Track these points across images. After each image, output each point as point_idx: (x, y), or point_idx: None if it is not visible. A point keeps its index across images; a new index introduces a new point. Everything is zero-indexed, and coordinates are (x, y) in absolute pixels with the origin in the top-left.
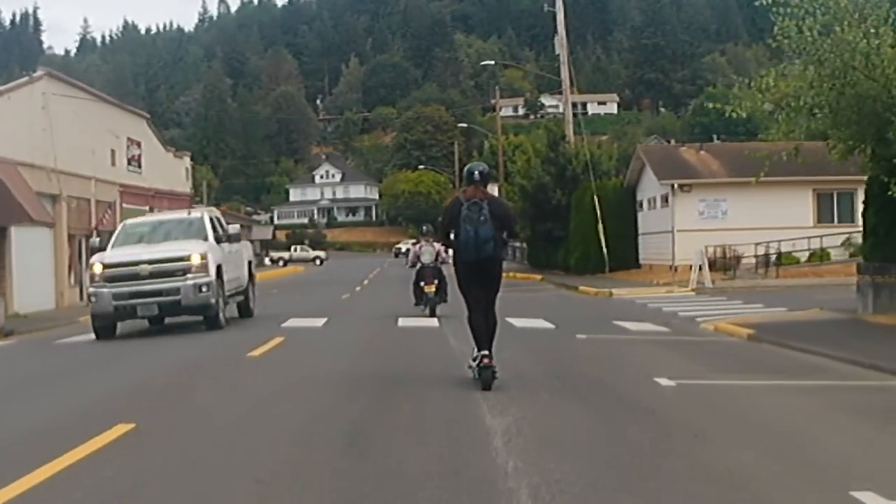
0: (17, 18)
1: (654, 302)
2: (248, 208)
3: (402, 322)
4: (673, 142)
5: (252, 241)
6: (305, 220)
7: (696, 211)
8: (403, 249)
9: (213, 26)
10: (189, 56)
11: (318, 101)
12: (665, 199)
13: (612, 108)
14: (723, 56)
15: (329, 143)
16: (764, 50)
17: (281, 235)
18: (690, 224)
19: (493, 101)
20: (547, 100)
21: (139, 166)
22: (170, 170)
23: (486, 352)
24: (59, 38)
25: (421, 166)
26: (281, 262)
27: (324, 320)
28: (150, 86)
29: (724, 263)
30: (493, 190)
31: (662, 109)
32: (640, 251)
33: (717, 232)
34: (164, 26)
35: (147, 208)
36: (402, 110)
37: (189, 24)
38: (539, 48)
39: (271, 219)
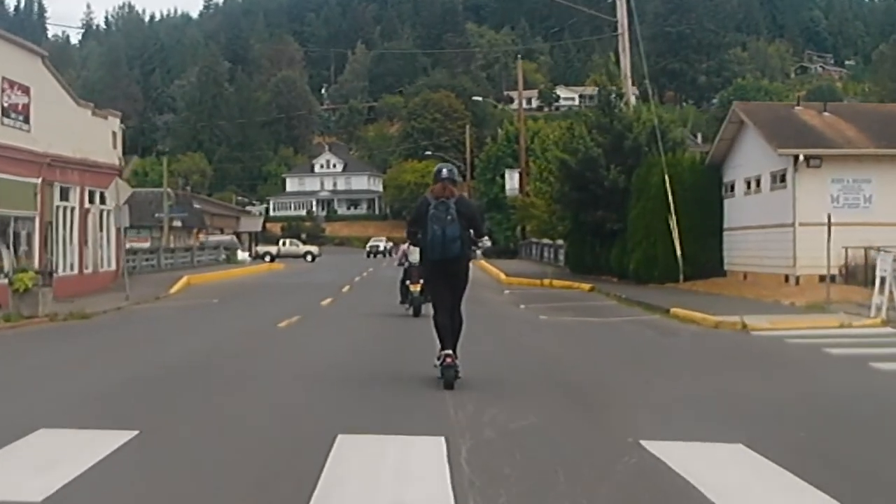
0: (22, 5)
1: (838, 345)
2: (240, 198)
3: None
4: (700, 137)
5: (237, 234)
6: (303, 213)
7: (828, 195)
8: (381, 247)
9: (219, 12)
10: (187, 38)
11: (322, 91)
12: (779, 179)
13: (632, 101)
14: (744, 51)
15: (332, 133)
16: (787, 45)
17: (276, 229)
18: (816, 214)
19: (506, 93)
20: (563, 91)
21: (25, 121)
22: (84, 132)
23: (450, 351)
24: (65, 25)
25: (428, 153)
26: (267, 258)
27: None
28: (146, 69)
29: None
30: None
31: (685, 103)
32: (726, 253)
33: (858, 227)
34: (169, 13)
35: (37, 180)
36: (410, 97)
37: (195, 11)
38: (553, 40)
39: (266, 210)
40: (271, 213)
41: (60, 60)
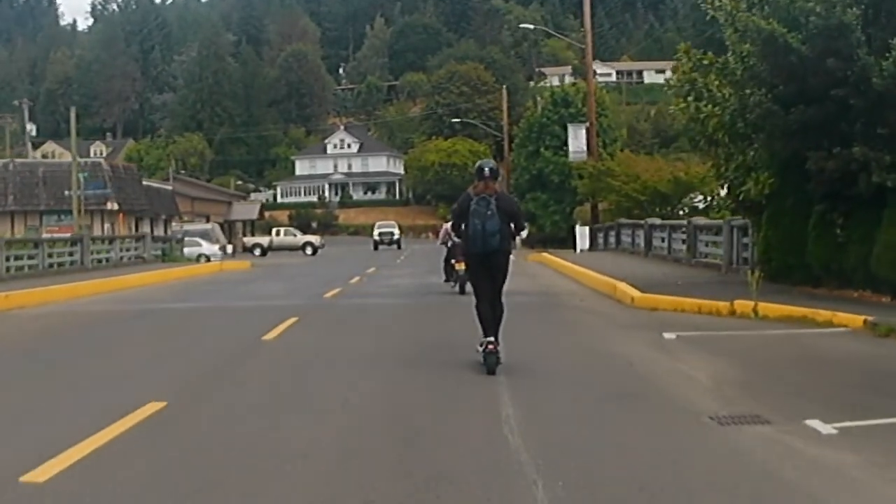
0: None
1: None
2: (240, 182)
3: None
4: None
5: (227, 223)
6: (314, 199)
7: None
8: (395, 235)
9: None
10: (190, 14)
11: (340, 71)
12: None
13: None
14: None
15: (349, 114)
16: None
17: (284, 217)
18: None
19: (537, 70)
20: (598, 67)
21: None
22: None
23: (492, 338)
24: (77, 13)
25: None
26: (256, 251)
27: None
28: (145, 46)
29: None
30: None
31: None
32: None
33: None
34: None
35: None
36: (434, 70)
37: None
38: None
39: (274, 196)
40: (279, 199)
41: (53, 41)
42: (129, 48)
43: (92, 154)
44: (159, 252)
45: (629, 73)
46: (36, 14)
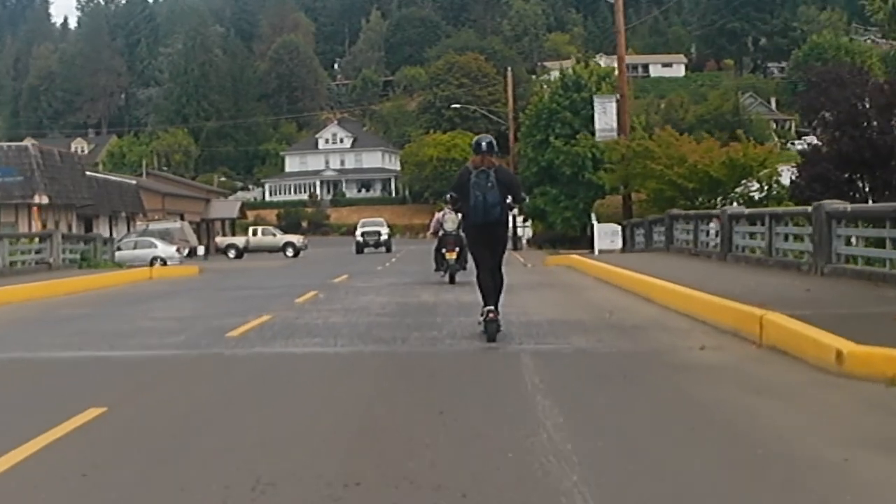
0: None
1: None
2: (224, 178)
3: None
4: (774, 103)
5: (205, 222)
6: (305, 196)
7: None
8: (383, 235)
9: None
10: (178, 6)
11: (335, 66)
12: None
13: (679, 71)
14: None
15: (344, 109)
16: (840, 14)
17: (272, 216)
18: None
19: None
20: (602, 61)
21: None
22: None
23: (492, 307)
24: (69, 11)
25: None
26: (231, 253)
27: None
28: (131, 40)
29: None
30: None
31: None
32: None
33: None
34: None
35: None
36: (432, 61)
37: None
38: (587, 11)
39: (262, 194)
40: (267, 197)
41: (36, 36)
42: (114, 42)
43: (73, 152)
44: (77, 256)
45: (634, 67)
46: (28, 13)
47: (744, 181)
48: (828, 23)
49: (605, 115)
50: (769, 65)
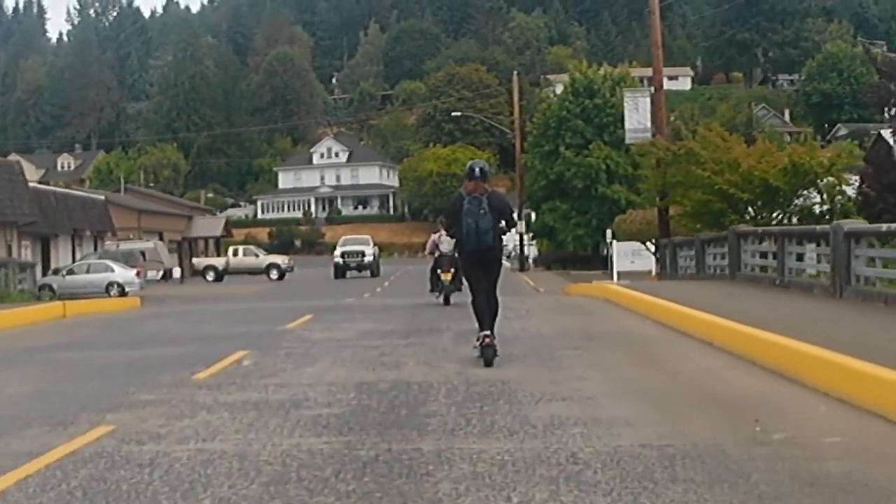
0: (21, 5)
1: None
2: (211, 195)
3: None
4: (787, 115)
5: (187, 241)
6: (299, 214)
7: None
8: (368, 257)
9: (223, 4)
10: (171, 20)
11: (333, 80)
12: None
13: (685, 84)
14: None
15: (341, 124)
16: (848, 26)
17: (263, 234)
18: None
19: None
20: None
21: None
22: None
23: (488, 332)
24: (64, 25)
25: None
26: (210, 275)
27: None
28: (122, 53)
29: None
30: None
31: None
32: None
33: None
34: (167, 7)
35: None
36: (432, 73)
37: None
38: (589, 24)
39: (254, 212)
40: (259, 215)
41: (26, 48)
42: (104, 55)
43: (59, 168)
44: None
45: (641, 81)
46: (24, 28)
47: (804, 191)
48: (837, 34)
49: (638, 113)
50: (779, 77)
